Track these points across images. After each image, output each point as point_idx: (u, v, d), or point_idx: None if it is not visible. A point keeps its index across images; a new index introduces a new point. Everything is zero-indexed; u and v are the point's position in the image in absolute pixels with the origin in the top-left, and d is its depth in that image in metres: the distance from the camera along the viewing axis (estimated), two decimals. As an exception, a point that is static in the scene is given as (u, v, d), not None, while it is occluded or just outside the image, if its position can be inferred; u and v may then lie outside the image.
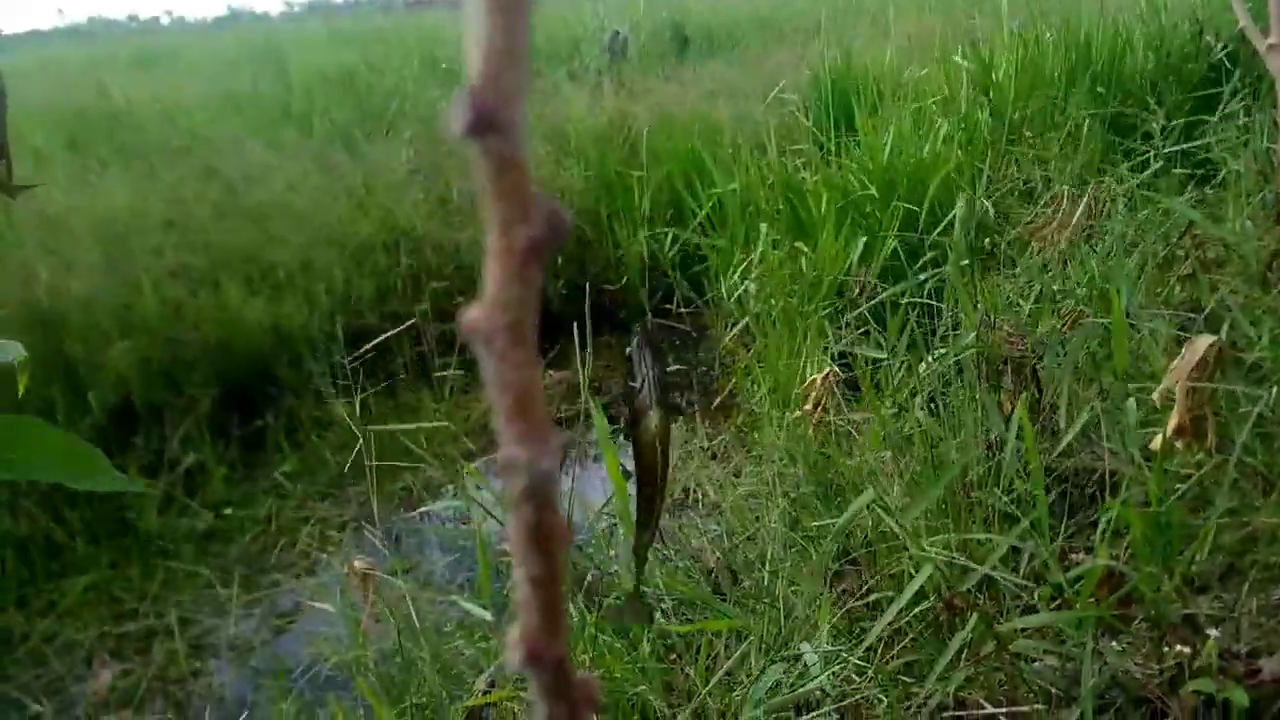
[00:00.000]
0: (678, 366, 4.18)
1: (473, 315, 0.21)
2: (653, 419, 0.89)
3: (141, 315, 3.89)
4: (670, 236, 4.49)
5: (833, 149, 4.35)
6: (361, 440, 1.82)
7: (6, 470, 0.59)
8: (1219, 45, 4.09)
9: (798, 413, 2.53)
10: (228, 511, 3.36)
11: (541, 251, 0.20)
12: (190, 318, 3.95)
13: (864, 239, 3.56)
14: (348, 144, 5.52)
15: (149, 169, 5.14)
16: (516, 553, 0.23)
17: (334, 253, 4.41)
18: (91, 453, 0.63)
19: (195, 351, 3.84)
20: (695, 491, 2.70)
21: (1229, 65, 4.08)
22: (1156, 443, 1.64)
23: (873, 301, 2.93)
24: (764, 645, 1.46)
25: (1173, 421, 1.64)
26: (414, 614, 1.49)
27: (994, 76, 4.30)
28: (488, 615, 1.42)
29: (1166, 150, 2.94)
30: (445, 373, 3.73)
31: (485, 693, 1.35)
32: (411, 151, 4.96)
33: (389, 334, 3.03)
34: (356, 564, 1.67)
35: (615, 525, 1.87)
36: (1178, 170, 3.13)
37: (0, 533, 3.09)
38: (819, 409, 2.41)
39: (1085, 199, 2.29)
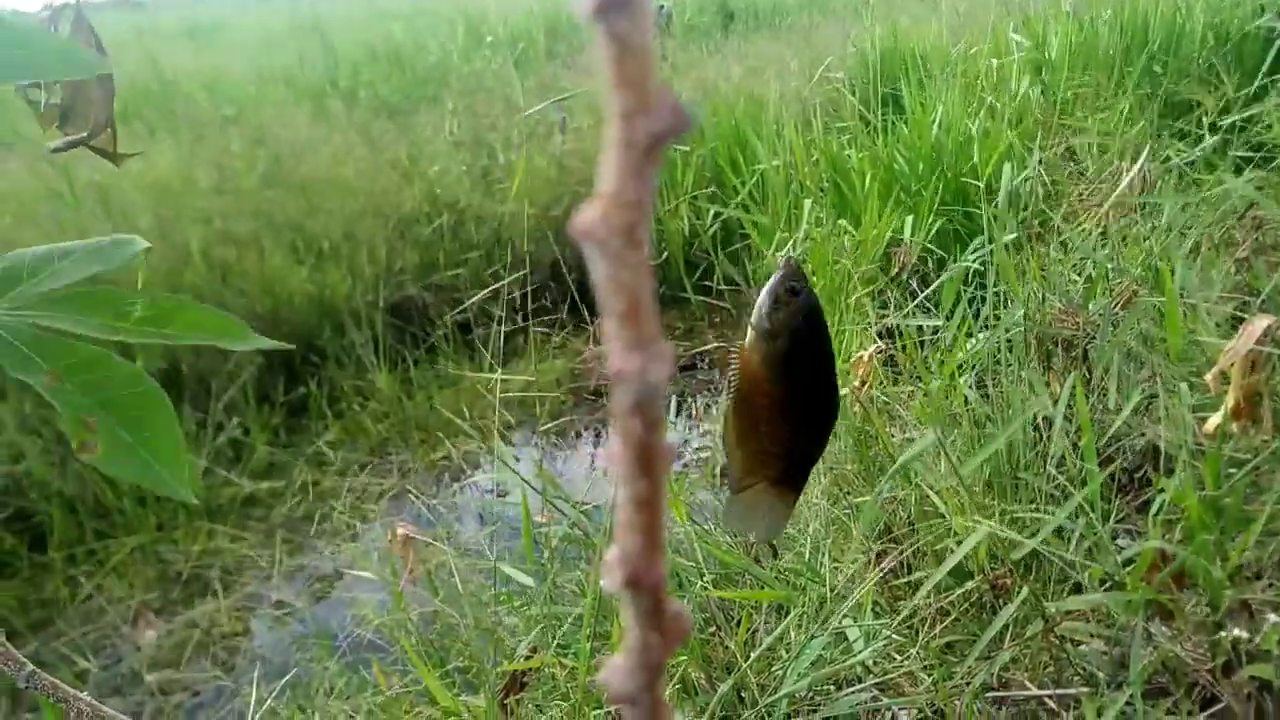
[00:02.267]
0: (718, 344, 4.16)
1: (587, 216, 0.20)
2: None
3: (190, 280, 3.95)
4: (712, 213, 4.46)
5: (879, 126, 4.29)
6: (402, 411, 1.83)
7: (171, 338, 0.65)
8: (1282, 24, 3.96)
9: (844, 390, 2.51)
10: (267, 483, 3.41)
11: (663, 145, 0.19)
12: (236, 284, 4.00)
13: (909, 217, 3.51)
14: (392, 116, 5.53)
15: (197, 138, 5.20)
16: (620, 471, 0.22)
17: (377, 223, 4.44)
18: (239, 324, 0.69)
19: (241, 318, 3.88)
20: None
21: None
22: (1212, 424, 1.60)
23: (917, 278, 2.90)
24: (804, 620, 1.45)
25: (1229, 403, 1.61)
26: (457, 579, 1.50)
27: (1047, 54, 4.21)
28: (530, 581, 1.42)
29: (1222, 125, 2.86)
30: (484, 342, 3.74)
31: (526, 658, 1.35)
32: (455, 124, 4.96)
33: (476, 297, 3.03)
34: (399, 529, 1.68)
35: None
36: (1235, 152, 3.05)
37: (50, 492, 3.16)
38: (865, 386, 2.39)
39: (1138, 170, 2.23)
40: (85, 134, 0.79)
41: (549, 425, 3.54)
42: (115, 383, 0.61)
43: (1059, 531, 1.55)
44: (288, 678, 1.65)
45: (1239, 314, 1.90)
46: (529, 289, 3.22)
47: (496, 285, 3.30)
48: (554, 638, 1.40)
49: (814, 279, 3.51)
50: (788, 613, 1.53)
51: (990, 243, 2.09)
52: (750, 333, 0.86)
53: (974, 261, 2.37)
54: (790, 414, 0.87)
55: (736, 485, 0.91)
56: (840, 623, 1.41)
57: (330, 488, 3.30)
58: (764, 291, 0.85)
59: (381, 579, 1.76)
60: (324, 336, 3.96)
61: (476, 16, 8.41)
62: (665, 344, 0.21)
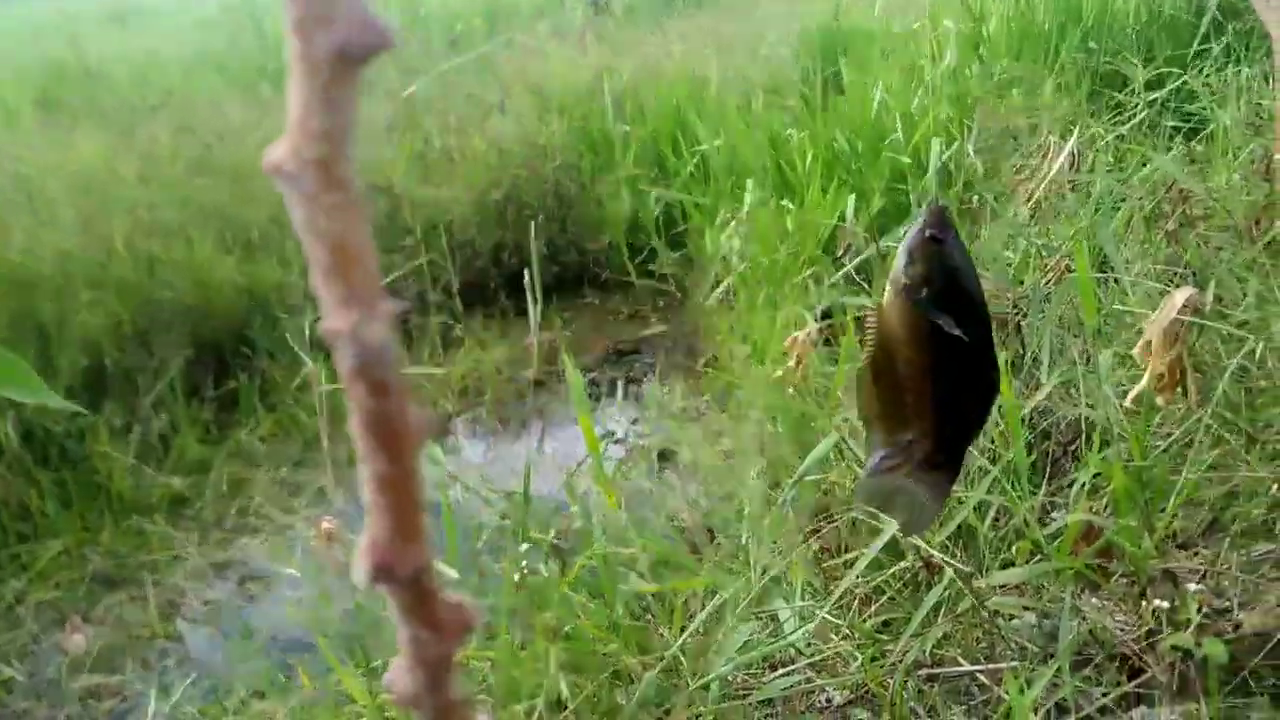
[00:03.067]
0: (660, 328, 4.13)
1: (275, 150, 0.16)
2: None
3: (114, 275, 3.82)
4: (654, 195, 4.42)
5: (820, 104, 4.28)
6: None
7: None
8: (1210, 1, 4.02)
9: (779, 371, 2.50)
10: (196, 479, 3.32)
11: (355, 65, 0.15)
12: (163, 277, 3.88)
13: (852, 196, 3.50)
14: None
15: (123, 126, 5.03)
16: (359, 445, 0.19)
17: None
18: (30, 374, 0.63)
19: (168, 312, 3.77)
20: (676, 452, 2.67)
21: (1220, 18, 4.01)
22: (1133, 396, 1.61)
23: (858, 259, 2.89)
24: (738, 603, 1.43)
25: (1150, 372, 1.62)
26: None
27: (984, 31, 4.23)
28: (454, 574, 1.39)
29: (1152, 99, 2.89)
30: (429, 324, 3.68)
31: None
32: (389, 108, 4.86)
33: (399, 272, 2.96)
34: (323, 525, 1.63)
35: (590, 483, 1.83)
36: (1166, 123, 3.08)
37: (-31, 496, 3.05)
38: (800, 365, 2.38)
39: (1068, 147, 2.24)
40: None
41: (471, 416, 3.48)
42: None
43: (990, 508, 1.55)
44: (200, 678, 1.59)
45: (1168, 287, 1.92)
46: (458, 276, 3.16)
47: (417, 263, 3.23)
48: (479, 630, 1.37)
49: (755, 259, 3.51)
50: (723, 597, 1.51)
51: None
52: (888, 289, 0.75)
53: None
54: (938, 383, 0.75)
55: (875, 467, 0.79)
56: (772, 604, 1.39)
57: (261, 482, 3.22)
58: (903, 241, 0.75)
59: (308, 576, 1.71)
60: (255, 327, 3.86)
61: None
62: (385, 299, 0.18)
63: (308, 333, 3.41)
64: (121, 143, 4.76)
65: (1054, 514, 1.85)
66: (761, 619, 1.35)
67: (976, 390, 0.77)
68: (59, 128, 5.15)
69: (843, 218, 3.43)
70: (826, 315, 2.85)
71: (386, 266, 4.28)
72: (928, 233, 0.74)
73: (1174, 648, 1.10)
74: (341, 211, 0.16)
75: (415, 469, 0.19)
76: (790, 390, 2.31)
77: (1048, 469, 1.91)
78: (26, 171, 4.32)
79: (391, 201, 4.42)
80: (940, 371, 0.75)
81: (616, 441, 3.35)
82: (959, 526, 1.53)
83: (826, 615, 1.31)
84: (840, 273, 2.94)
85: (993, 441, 1.73)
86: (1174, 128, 3.03)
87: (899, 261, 0.76)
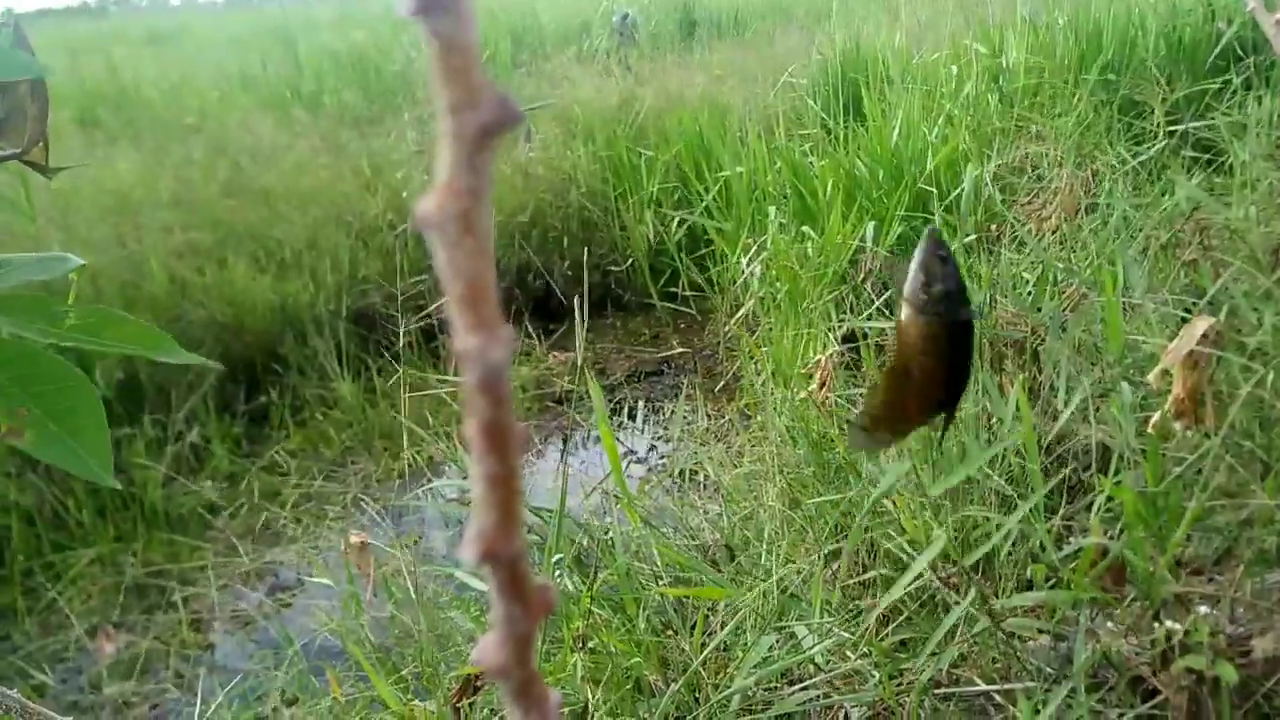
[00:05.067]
0: (682, 350, 4.18)
1: (425, 204, 0.21)
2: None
3: (149, 292, 3.91)
4: (677, 220, 4.48)
5: (841, 133, 4.33)
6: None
7: (102, 346, 0.69)
8: (1231, 30, 4.05)
9: (802, 394, 2.54)
10: (228, 491, 3.38)
11: (492, 137, 0.20)
12: (197, 294, 3.97)
13: (872, 223, 3.55)
14: (356, 124, 5.51)
15: (158, 146, 5.15)
16: (473, 449, 0.23)
17: (340, 232, 4.42)
18: (166, 338, 0.73)
19: (201, 329, 3.86)
20: (696, 472, 2.71)
21: (1240, 51, 4.05)
22: (1154, 422, 1.64)
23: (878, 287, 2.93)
24: (757, 619, 1.47)
25: (1170, 401, 1.65)
26: (410, 586, 1.50)
27: (1004, 62, 4.28)
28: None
29: (1171, 128, 2.92)
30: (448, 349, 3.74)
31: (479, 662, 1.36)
32: (418, 131, 4.96)
33: (439, 303, 3.00)
34: (353, 537, 1.68)
35: (612, 499, 1.87)
36: (1185, 153, 3.11)
37: (7, 503, 3.12)
38: (824, 389, 2.42)
39: (1085, 174, 2.28)
40: (19, 149, 0.80)
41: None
42: (46, 376, 0.65)
43: (1011, 532, 1.57)
44: (233, 684, 1.64)
45: (1186, 315, 1.95)
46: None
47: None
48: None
49: (777, 285, 3.55)
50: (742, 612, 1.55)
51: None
52: (905, 308, 0.87)
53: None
54: (947, 375, 0.89)
55: (866, 429, 0.94)
56: (792, 620, 1.43)
57: (291, 496, 3.28)
58: (913, 265, 0.86)
59: (340, 586, 1.75)
60: (286, 345, 3.94)
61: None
62: (505, 326, 0.23)
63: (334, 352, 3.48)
64: (156, 162, 4.88)
65: (1071, 538, 1.88)
66: (780, 634, 1.39)
67: (965, 376, 0.91)
68: (96, 147, 5.29)
69: (863, 244, 3.48)
70: (848, 338, 2.89)
71: (418, 288, 4.36)
72: (936, 254, 0.86)
73: (1187, 669, 1.12)
74: (476, 255, 0.21)
75: (518, 470, 0.24)
76: (814, 412, 2.35)
77: (1065, 493, 1.93)
78: (64, 189, 4.43)
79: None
80: (937, 376, 0.88)
81: (638, 461, 3.39)
82: (973, 549, 1.56)
83: (845, 634, 1.34)
84: (861, 298, 2.98)
85: (1011, 467, 1.76)
86: (1193, 158, 3.06)
87: (913, 280, 0.87)
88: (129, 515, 3.26)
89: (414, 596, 1.48)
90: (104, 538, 3.18)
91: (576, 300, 1.63)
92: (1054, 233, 2.30)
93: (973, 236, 2.42)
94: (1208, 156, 3.04)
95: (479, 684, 1.35)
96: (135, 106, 6.25)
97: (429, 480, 3.01)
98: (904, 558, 1.61)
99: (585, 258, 4.65)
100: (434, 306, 3.49)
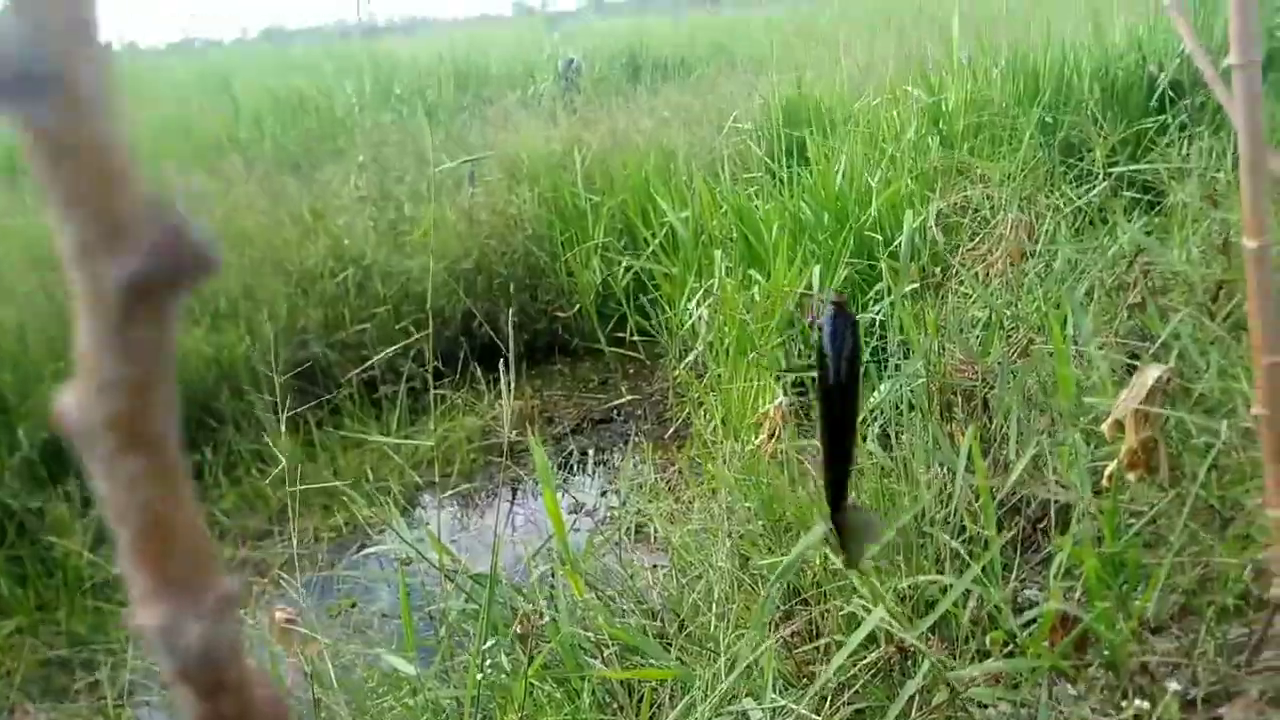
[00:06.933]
0: (631, 396, 4.11)
1: (64, 402, 0.13)
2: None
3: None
4: (623, 264, 4.43)
5: (785, 177, 4.33)
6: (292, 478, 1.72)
7: None
8: (1162, 74, 4.14)
9: (751, 444, 2.47)
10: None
11: (156, 295, 0.12)
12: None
13: (818, 267, 3.52)
14: (296, 169, 5.41)
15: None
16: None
17: (279, 280, 4.30)
18: None
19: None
20: (645, 526, 2.62)
21: (1173, 94, 4.13)
22: (1108, 475, 1.60)
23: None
24: (708, 696, 1.38)
25: (1124, 453, 1.61)
26: (331, 670, 1.40)
27: (944, 106, 4.31)
28: (410, 670, 1.33)
29: (1113, 172, 2.94)
30: (391, 393, 3.63)
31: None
32: (361, 177, 4.87)
33: (381, 355, 2.90)
34: (278, 613, 1.57)
35: (553, 570, 1.79)
36: (1125, 194, 3.14)
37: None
38: (772, 439, 2.36)
39: (1028, 217, 2.27)
40: None
41: (450, 491, 3.42)
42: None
43: (965, 593, 1.52)
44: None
45: (1134, 363, 1.92)
46: (433, 344, 3.12)
47: (405, 342, 3.23)
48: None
49: (724, 330, 3.50)
50: (691, 689, 1.46)
51: (889, 294, 2.08)
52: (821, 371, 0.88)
53: (875, 313, 2.36)
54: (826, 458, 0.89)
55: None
56: (743, 697, 1.35)
57: (224, 559, 3.13)
58: (825, 330, 0.86)
59: (260, 665, 1.63)
60: (221, 399, 3.79)
61: (386, 68, 8.33)
62: (217, 583, 0.15)
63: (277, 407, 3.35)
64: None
65: (1027, 591, 1.83)
66: (733, 716, 1.31)
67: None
68: (25, 194, 5.12)
69: (809, 288, 3.45)
70: (800, 385, 2.84)
71: (359, 338, 4.25)
72: (844, 317, 0.86)
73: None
74: (153, 480, 0.13)
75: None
76: (762, 465, 2.28)
77: (1019, 546, 1.88)
78: (-12, 240, 4.28)
79: (362, 272, 4.40)
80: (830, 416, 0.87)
81: (587, 514, 3.30)
82: (930, 608, 1.50)
83: (802, 711, 1.27)
84: (807, 344, 2.94)
85: (964, 521, 1.71)
86: (1133, 199, 3.09)
87: (824, 345, 0.88)
88: (52, 583, 3.09)
89: (333, 681, 1.38)
90: (23, 608, 3.00)
91: (503, 361, 1.55)
92: (1000, 277, 2.28)
93: (916, 284, 2.39)
94: (1148, 198, 3.06)
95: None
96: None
97: (366, 540, 2.89)
98: (860, 620, 1.54)
99: (531, 304, 4.59)
100: (376, 359, 3.38)
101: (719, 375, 3.33)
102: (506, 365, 1.50)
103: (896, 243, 2.60)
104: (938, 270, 2.93)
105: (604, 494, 3.46)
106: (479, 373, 3.99)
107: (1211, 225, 2.68)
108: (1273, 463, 1.23)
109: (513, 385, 1.46)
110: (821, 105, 5.02)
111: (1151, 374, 1.60)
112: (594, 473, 3.68)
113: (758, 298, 3.51)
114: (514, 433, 3.74)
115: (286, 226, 4.62)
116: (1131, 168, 2.99)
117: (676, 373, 3.74)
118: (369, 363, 3.71)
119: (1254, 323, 1.20)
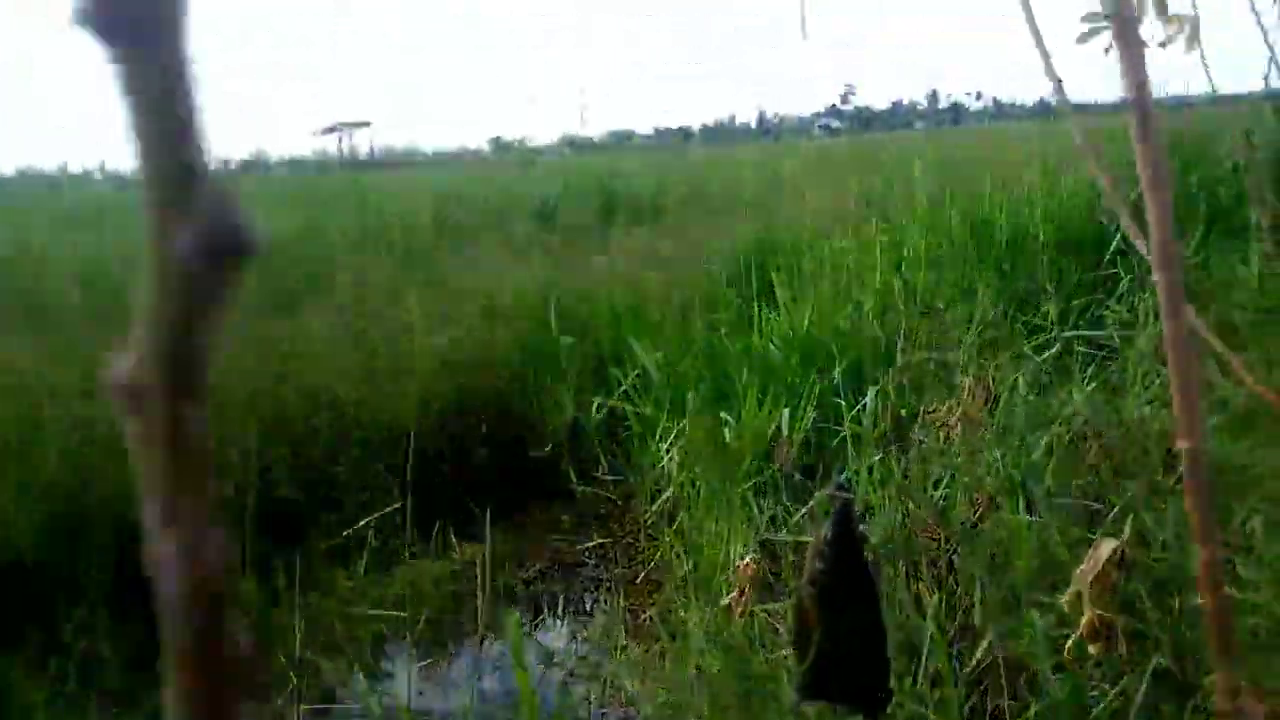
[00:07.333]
0: (603, 539, 4.10)
1: (119, 370, 0.15)
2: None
3: (45, 477, 3.73)
4: (595, 404, 4.49)
5: (755, 317, 4.45)
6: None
7: None
8: (1112, 226, 4.34)
9: (722, 601, 2.47)
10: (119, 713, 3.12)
11: (220, 263, 0.14)
12: (98, 482, 3.78)
13: (786, 410, 3.60)
14: (275, 311, 5.47)
15: (60, 331, 5.01)
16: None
17: (250, 423, 4.30)
18: None
19: (101, 527, 3.66)
20: (611, 686, 2.59)
21: (1125, 244, 4.32)
22: (1069, 648, 1.63)
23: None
24: None
25: (1084, 625, 1.64)
26: None
27: (905, 252, 4.49)
28: None
29: (1065, 336, 3.06)
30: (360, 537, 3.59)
31: None
32: (338, 317, 4.94)
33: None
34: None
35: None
36: (1080, 348, 3.25)
37: None
38: (744, 596, 2.36)
39: (986, 377, 2.36)
40: None
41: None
42: None
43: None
44: None
45: (1092, 531, 1.97)
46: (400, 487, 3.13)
47: (384, 511, 3.24)
48: None
49: (697, 472, 3.54)
50: None
51: (854, 459, 2.14)
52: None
53: (840, 475, 2.41)
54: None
55: None
56: None
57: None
58: (830, 532, 0.89)
59: None
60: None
61: (373, 203, 8.52)
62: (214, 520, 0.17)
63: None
64: (57, 348, 4.73)
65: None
66: None
67: None
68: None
69: (779, 431, 3.51)
70: (768, 544, 2.86)
71: (330, 477, 4.23)
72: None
73: None
74: (189, 434, 0.15)
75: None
76: (733, 624, 2.29)
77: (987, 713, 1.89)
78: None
79: (336, 412, 4.42)
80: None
81: (556, 664, 3.25)
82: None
83: None
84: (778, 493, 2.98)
85: (926, 690, 1.72)
86: (1088, 354, 3.20)
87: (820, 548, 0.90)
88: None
89: None
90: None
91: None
92: (960, 438, 2.35)
93: (879, 457, 2.45)
94: (1103, 354, 3.18)
95: None
96: (42, 290, 6.13)
97: (337, 695, 2.83)
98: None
99: (501, 444, 4.60)
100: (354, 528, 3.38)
101: (689, 519, 3.35)
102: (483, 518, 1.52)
103: (860, 405, 2.69)
104: (906, 414, 3.00)
105: (574, 637, 3.42)
106: (451, 531, 3.97)
107: (1163, 379, 2.79)
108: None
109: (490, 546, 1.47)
110: (789, 248, 5.20)
111: (1105, 548, 1.66)
112: (565, 620, 3.64)
113: (728, 440, 3.56)
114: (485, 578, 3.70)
115: (266, 365, 4.64)
116: (1082, 333, 3.11)
117: (648, 515, 3.75)
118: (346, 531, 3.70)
119: (1193, 517, 1.26)
